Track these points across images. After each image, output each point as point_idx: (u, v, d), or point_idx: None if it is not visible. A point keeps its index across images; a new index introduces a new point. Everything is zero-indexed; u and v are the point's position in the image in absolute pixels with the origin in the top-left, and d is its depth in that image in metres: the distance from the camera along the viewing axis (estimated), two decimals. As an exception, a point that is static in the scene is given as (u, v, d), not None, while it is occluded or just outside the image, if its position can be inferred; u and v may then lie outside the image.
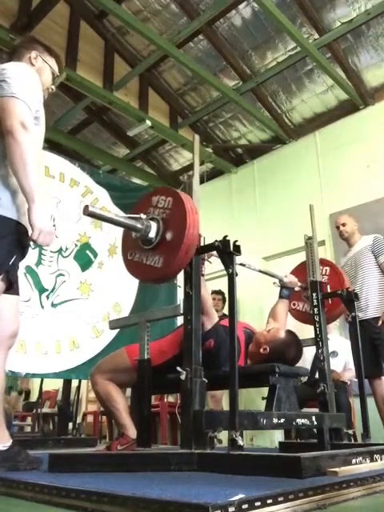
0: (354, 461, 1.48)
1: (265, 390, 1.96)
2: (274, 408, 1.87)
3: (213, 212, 5.50)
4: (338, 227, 3.74)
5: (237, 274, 1.72)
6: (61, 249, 4.01)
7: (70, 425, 4.54)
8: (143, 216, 1.75)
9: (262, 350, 2.11)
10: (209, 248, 1.78)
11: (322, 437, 2.04)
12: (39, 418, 4.76)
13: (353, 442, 2.41)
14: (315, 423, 2.00)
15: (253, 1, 4.49)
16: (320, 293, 2.38)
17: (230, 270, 1.70)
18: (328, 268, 2.66)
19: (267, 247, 5.38)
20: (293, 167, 5.53)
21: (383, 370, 3.34)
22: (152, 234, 1.74)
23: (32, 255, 3.70)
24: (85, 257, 4.19)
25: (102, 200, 4.40)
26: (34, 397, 6.32)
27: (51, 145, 5.38)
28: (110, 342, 4.03)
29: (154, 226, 1.74)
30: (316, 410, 2.31)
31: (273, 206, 5.55)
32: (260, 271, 2.39)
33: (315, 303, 2.38)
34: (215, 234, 1.78)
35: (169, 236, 1.71)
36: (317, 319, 2.34)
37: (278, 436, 4.34)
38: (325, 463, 1.37)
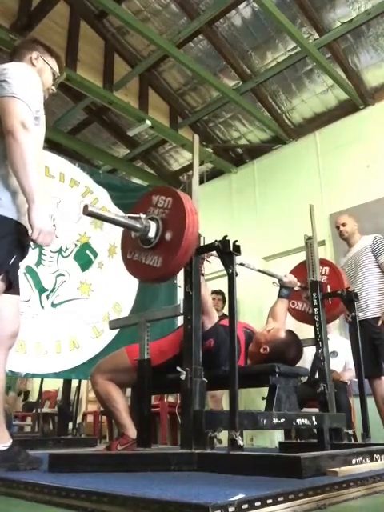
0: (353, 461, 1.48)
1: (265, 390, 1.96)
2: (274, 408, 1.87)
3: (213, 212, 5.50)
4: (337, 227, 3.74)
5: (237, 274, 1.72)
6: (61, 249, 4.01)
7: (70, 425, 4.54)
8: (143, 216, 1.74)
9: (262, 350, 2.11)
10: (209, 248, 1.78)
11: (321, 437, 2.04)
12: (39, 417, 4.75)
13: (353, 441, 2.41)
14: (315, 423, 2.00)
15: (253, 1, 4.49)
16: (320, 293, 2.39)
17: (230, 270, 1.70)
18: (327, 268, 2.66)
19: (267, 247, 5.38)
20: (293, 167, 5.53)
21: (383, 370, 3.34)
22: (151, 234, 1.74)
23: (32, 255, 3.70)
24: (85, 257, 4.19)
25: (102, 200, 4.40)
26: (33, 397, 6.32)
27: (51, 145, 5.37)
28: (110, 342, 4.03)
29: (153, 225, 1.74)
30: (316, 410, 2.31)
31: (273, 206, 5.55)
32: (259, 271, 2.39)
33: (315, 303, 2.38)
34: (215, 234, 1.78)
35: (168, 236, 1.71)
36: (317, 319, 2.34)
37: (278, 436, 4.34)
38: (325, 463, 1.37)
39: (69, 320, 3.90)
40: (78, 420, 5.10)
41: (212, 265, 1.98)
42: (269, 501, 1.00)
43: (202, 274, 1.86)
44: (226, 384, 1.61)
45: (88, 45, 5.05)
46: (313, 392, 2.28)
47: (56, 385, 5.70)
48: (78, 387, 4.71)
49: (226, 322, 1.94)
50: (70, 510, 1.11)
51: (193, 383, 1.62)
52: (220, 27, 4.91)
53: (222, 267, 1.74)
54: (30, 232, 1.67)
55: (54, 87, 2.03)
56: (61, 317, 3.85)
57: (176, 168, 6.70)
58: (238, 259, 1.76)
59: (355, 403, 3.41)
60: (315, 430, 2.17)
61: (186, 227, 1.66)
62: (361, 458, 1.51)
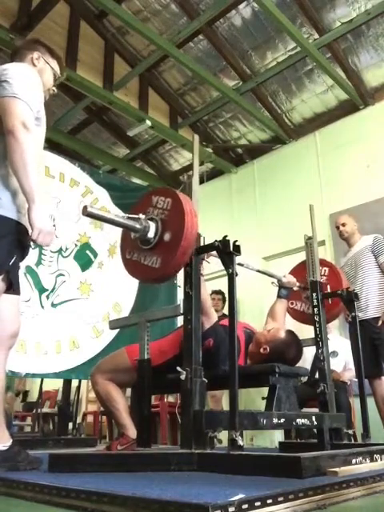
0: (354, 461, 1.48)
1: (265, 390, 1.96)
2: (274, 408, 1.87)
3: (213, 212, 5.50)
4: (337, 227, 3.74)
5: (237, 274, 1.72)
6: (61, 249, 4.01)
7: (70, 425, 4.54)
8: (142, 216, 1.75)
9: (262, 350, 2.12)
10: (209, 248, 1.78)
11: (322, 437, 2.04)
12: (39, 418, 4.75)
13: (353, 442, 2.41)
14: (315, 423, 2.00)
15: (253, 1, 4.49)
16: (320, 293, 2.39)
17: (230, 270, 1.70)
18: (327, 269, 2.66)
19: (267, 247, 5.38)
20: (293, 167, 5.53)
21: (383, 370, 3.34)
22: (150, 235, 1.74)
23: (32, 255, 3.70)
24: (85, 257, 4.19)
25: (102, 200, 4.41)
26: (33, 397, 6.32)
27: (51, 145, 5.37)
28: (110, 342, 4.03)
29: (152, 226, 1.74)
30: (316, 410, 2.31)
31: (273, 206, 5.55)
32: (258, 271, 2.39)
33: (315, 303, 2.38)
34: (215, 234, 1.78)
35: (167, 237, 1.72)
36: (317, 319, 2.34)
37: (278, 436, 4.34)
38: (325, 463, 1.37)
39: (69, 320, 3.90)
40: (78, 420, 5.10)
41: (212, 265, 1.98)
42: (269, 501, 1.00)
43: (201, 275, 1.86)
44: (226, 384, 1.61)
45: (88, 45, 5.05)
46: (313, 392, 2.28)
47: (56, 385, 5.70)
48: (78, 387, 4.71)
49: (225, 321, 1.94)
50: (70, 509, 1.11)
51: (193, 383, 1.63)
52: (220, 27, 4.91)
53: (222, 267, 1.74)
54: (30, 232, 1.67)
55: (54, 88, 2.04)
56: (61, 317, 3.85)
57: (176, 168, 6.70)
58: (237, 259, 1.76)
59: (355, 403, 3.41)
60: (315, 430, 2.17)
61: (185, 228, 1.66)
62: (361, 458, 1.51)
